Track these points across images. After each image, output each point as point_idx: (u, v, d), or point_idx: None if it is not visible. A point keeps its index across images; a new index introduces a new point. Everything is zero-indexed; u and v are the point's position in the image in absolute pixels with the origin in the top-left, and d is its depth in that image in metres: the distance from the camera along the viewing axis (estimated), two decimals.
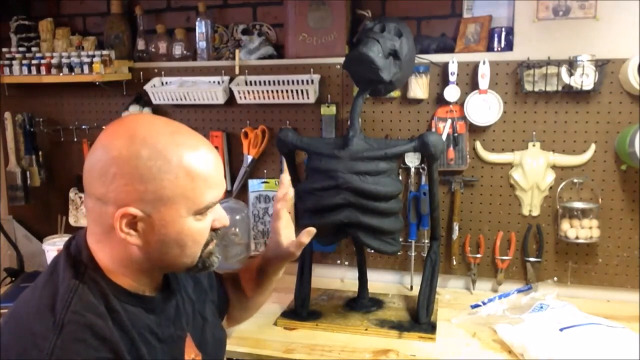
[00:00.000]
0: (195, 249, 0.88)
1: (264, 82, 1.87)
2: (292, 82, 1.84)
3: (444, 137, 1.72)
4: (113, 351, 0.79)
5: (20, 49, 2.00)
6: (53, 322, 0.78)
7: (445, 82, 1.74)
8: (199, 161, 0.84)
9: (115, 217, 0.81)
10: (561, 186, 1.72)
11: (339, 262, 1.95)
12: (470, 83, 1.74)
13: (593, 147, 1.69)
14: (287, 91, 1.82)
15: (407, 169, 1.81)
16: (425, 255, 1.71)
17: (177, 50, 2.01)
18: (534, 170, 1.71)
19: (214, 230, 0.91)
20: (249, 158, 1.94)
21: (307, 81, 1.83)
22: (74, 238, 0.91)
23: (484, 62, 1.69)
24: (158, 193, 0.81)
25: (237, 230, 1.91)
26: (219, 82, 1.92)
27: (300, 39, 1.84)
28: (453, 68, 1.71)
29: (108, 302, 0.83)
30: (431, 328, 1.53)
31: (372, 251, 1.81)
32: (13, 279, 1.95)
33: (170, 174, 0.81)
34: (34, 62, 1.91)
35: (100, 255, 0.86)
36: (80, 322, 0.79)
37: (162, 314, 0.92)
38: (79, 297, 0.82)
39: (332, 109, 1.84)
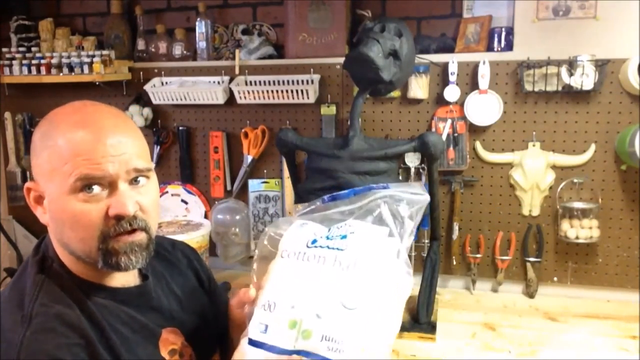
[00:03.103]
0: (85, 234, 0.81)
1: (264, 82, 1.87)
2: (292, 82, 1.84)
3: (444, 137, 1.72)
4: (83, 337, 0.80)
5: (20, 49, 2.00)
6: (22, 316, 0.79)
7: (445, 82, 1.74)
8: (79, 137, 0.81)
9: (24, 191, 0.87)
10: (561, 186, 1.72)
11: None
12: (470, 83, 1.74)
13: (593, 147, 1.69)
14: (287, 91, 1.82)
15: (407, 169, 1.81)
16: (425, 255, 1.71)
17: (177, 50, 2.01)
18: (534, 170, 1.71)
19: (117, 220, 0.82)
20: (249, 158, 1.94)
21: (307, 81, 1.83)
22: (45, 236, 0.92)
23: (484, 62, 1.69)
24: (43, 167, 0.83)
25: (237, 230, 1.91)
26: (219, 82, 1.92)
27: (300, 39, 1.84)
28: (453, 68, 1.71)
29: (74, 295, 0.84)
30: (431, 328, 1.53)
31: None
32: None
33: (49, 148, 0.82)
34: (34, 62, 1.91)
35: (56, 247, 0.88)
36: (48, 312, 0.80)
37: (137, 306, 0.91)
38: (45, 290, 0.83)
39: (332, 109, 1.84)
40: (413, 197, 0.93)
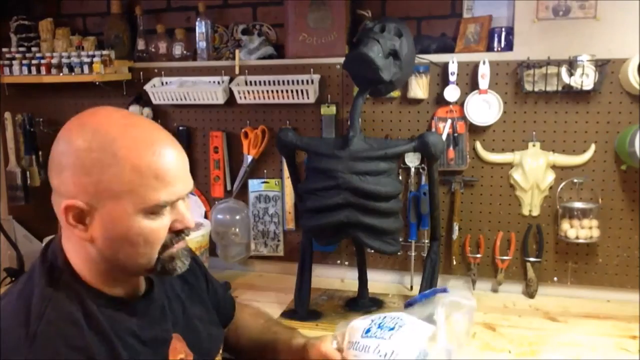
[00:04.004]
0: (148, 250, 0.83)
1: (264, 82, 1.87)
2: (292, 82, 1.84)
3: (444, 137, 1.72)
4: (89, 359, 0.78)
5: (20, 49, 2.00)
6: (26, 334, 0.76)
7: (445, 82, 1.74)
8: (150, 156, 0.80)
9: (61, 209, 0.81)
10: (561, 186, 1.72)
11: (339, 262, 1.95)
12: (470, 83, 1.74)
13: (593, 147, 1.69)
14: (287, 91, 1.82)
15: (407, 169, 1.81)
16: (425, 255, 1.71)
17: (177, 50, 2.01)
18: (534, 170, 1.71)
19: (176, 232, 0.86)
20: (249, 158, 1.94)
21: (307, 81, 1.83)
22: (51, 242, 0.89)
23: (484, 62, 1.69)
24: (102, 186, 0.79)
25: (237, 230, 1.91)
26: (219, 82, 1.92)
27: (300, 39, 1.84)
28: (453, 68, 1.71)
29: (85, 308, 0.81)
30: None
31: (372, 251, 1.81)
32: (13, 279, 1.95)
33: (115, 167, 0.79)
34: (34, 62, 1.91)
35: (72, 256, 0.85)
36: (53, 333, 0.77)
37: (146, 316, 0.90)
38: (53, 306, 0.80)
39: (332, 109, 1.84)
40: (463, 301, 0.99)
